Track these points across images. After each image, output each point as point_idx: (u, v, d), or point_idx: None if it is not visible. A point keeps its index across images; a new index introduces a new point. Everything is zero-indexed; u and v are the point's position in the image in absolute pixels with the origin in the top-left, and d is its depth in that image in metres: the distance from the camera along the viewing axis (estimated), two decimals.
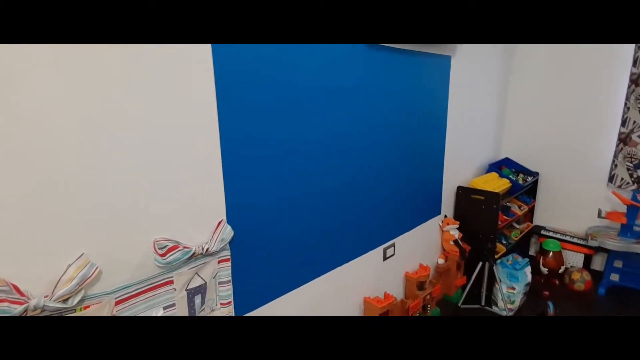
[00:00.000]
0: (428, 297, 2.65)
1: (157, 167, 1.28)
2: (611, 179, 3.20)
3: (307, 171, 1.82)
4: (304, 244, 1.88)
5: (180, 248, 1.33)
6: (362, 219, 2.20)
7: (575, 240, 3.36)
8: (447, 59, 2.66)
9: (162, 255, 1.29)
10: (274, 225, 1.72)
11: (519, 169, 3.54)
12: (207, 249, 1.42)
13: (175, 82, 1.29)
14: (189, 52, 1.31)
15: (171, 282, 1.37)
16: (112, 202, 1.19)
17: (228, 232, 1.51)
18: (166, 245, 1.30)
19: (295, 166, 1.76)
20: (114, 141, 1.17)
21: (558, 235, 3.43)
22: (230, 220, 1.53)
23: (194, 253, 1.38)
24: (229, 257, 1.55)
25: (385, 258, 2.46)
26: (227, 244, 1.52)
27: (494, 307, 2.89)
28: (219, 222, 1.50)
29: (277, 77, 1.60)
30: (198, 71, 1.35)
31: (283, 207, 1.74)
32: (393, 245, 2.51)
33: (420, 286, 2.67)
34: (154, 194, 1.29)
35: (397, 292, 2.66)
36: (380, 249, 2.41)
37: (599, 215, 3.13)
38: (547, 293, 3.10)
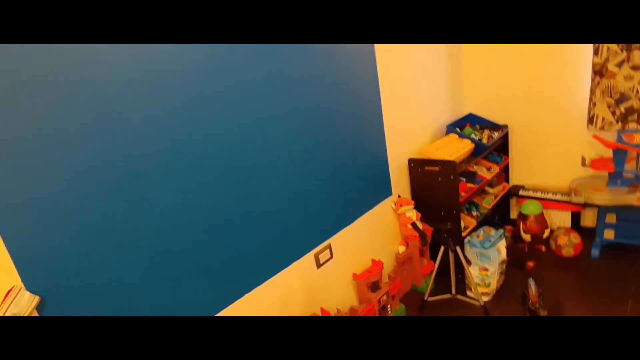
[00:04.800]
0: (385, 297, 2.24)
1: None
2: (591, 120, 2.69)
3: (184, 183, 1.38)
4: (181, 276, 1.46)
5: None
6: (274, 228, 1.76)
7: (558, 197, 2.90)
8: None
9: None
10: (120, 267, 1.29)
11: (484, 124, 3.04)
12: None
13: None
14: None
15: None
16: None
17: (26, 301, 1.08)
18: None
19: (159, 179, 1.32)
20: None
21: (539, 194, 2.97)
22: (32, 283, 1.11)
23: None
24: None
25: (319, 265, 2.04)
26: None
27: (469, 293, 2.48)
28: (8, 291, 1.07)
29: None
30: None
31: (136, 239, 1.31)
32: (328, 247, 2.08)
33: (374, 286, 2.25)
34: None
35: (348, 300, 2.25)
36: (310, 255, 1.98)
37: (583, 164, 2.66)
38: (531, 264, 2.67)
